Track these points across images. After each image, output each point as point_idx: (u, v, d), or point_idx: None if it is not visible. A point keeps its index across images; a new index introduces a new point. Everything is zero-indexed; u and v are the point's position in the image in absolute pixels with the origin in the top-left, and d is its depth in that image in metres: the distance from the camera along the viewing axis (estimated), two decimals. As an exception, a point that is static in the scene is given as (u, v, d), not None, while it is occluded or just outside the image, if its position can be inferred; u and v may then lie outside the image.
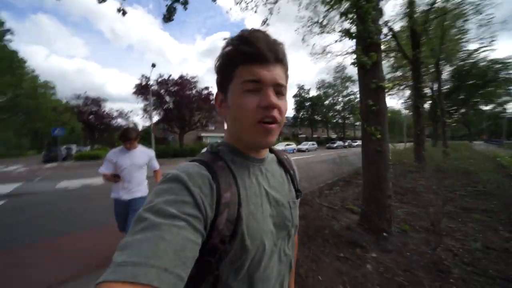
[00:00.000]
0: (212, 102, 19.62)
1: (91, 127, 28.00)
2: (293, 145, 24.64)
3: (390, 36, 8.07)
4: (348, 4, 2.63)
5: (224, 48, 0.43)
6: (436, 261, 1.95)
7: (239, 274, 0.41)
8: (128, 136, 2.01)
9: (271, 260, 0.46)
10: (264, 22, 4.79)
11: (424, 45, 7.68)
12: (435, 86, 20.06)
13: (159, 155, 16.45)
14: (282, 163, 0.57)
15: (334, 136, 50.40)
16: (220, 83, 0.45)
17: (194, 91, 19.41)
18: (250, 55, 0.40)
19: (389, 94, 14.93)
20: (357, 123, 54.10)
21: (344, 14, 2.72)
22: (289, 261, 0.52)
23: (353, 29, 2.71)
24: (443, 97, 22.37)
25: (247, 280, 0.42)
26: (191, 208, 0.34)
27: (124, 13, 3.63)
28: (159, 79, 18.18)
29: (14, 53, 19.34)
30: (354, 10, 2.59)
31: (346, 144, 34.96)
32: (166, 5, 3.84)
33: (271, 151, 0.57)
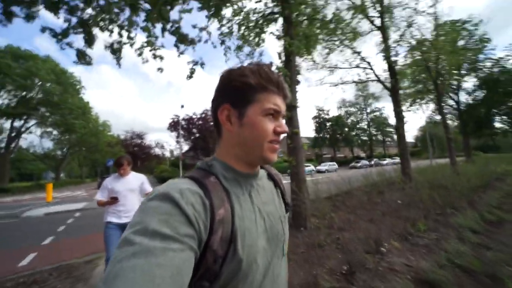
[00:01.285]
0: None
1: (135, 156, 33.11)
2: (311, 167, 25.06)
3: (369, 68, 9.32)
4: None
5: (242, 71, 0.46)
6: (319, 242, 3.15)
7: None
8: (120, 162, 2.25)
9: (265, 279, 0.44)
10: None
11: (400, 74, 8.63)
12: (459, 97, 19.28)
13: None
14: (272, 178, 0.59)
15: (362, 154, 48.37)
16: (236, 100, 0.46)
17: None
18: (275, 86, 0.46)
19: (409, 110, 15.14)
20: (388, 140, 50.92)
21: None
22: (283, 280, 0.51)
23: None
24: (470, 110, 21.00)
25: None
26: (186, 227, 0.33)
27: (162, 70, 5.13)
28: (186, 117, 21.83)
29: (87, 103, 25.80)
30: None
31: (373, 163, 32.95)
32: (189, 68, 5.20)
33: (262, 167, 0.57)
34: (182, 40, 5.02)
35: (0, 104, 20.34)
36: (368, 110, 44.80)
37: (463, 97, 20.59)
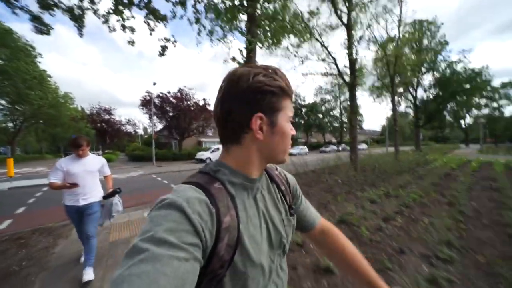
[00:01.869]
0: (210, 110, 22.00)
1: (103, 133, 31.18)
2: (284, 150, 26.58)
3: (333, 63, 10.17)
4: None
5: (271, 75, 0.45)
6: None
7: None
8: (79, 143, 2.07)
9: (270, 279, 0.47)
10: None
11: (358, 71, 9.68)
12: (417, 93, 21.66)
13: (160, 159, 19.12)
14: (273, 179, 0.58)
15: (334, 140, 51.88)
16: (270, 108, 0.45)
17: (192, 102, 22.06)
18: (292, 92, 0.49)
19: (375, 101, 17.32)
20: (358, 127, 55.28)
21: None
22: (285, 274, 0.54)
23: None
24: (423, 104, 23.70)
25: None
26: (192, 237, 0.34)
27: (133, 43, 4.87)
28: (161, 95, 21.03)
29: (43, 71, 22.94)
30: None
31: (340, 148, 36.18)
32: (161, 45, 4.94)
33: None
34: (153, 15, 4.71)
35: None
36: (342, 99, 47.30)
37: (421, 93, 23.31)
